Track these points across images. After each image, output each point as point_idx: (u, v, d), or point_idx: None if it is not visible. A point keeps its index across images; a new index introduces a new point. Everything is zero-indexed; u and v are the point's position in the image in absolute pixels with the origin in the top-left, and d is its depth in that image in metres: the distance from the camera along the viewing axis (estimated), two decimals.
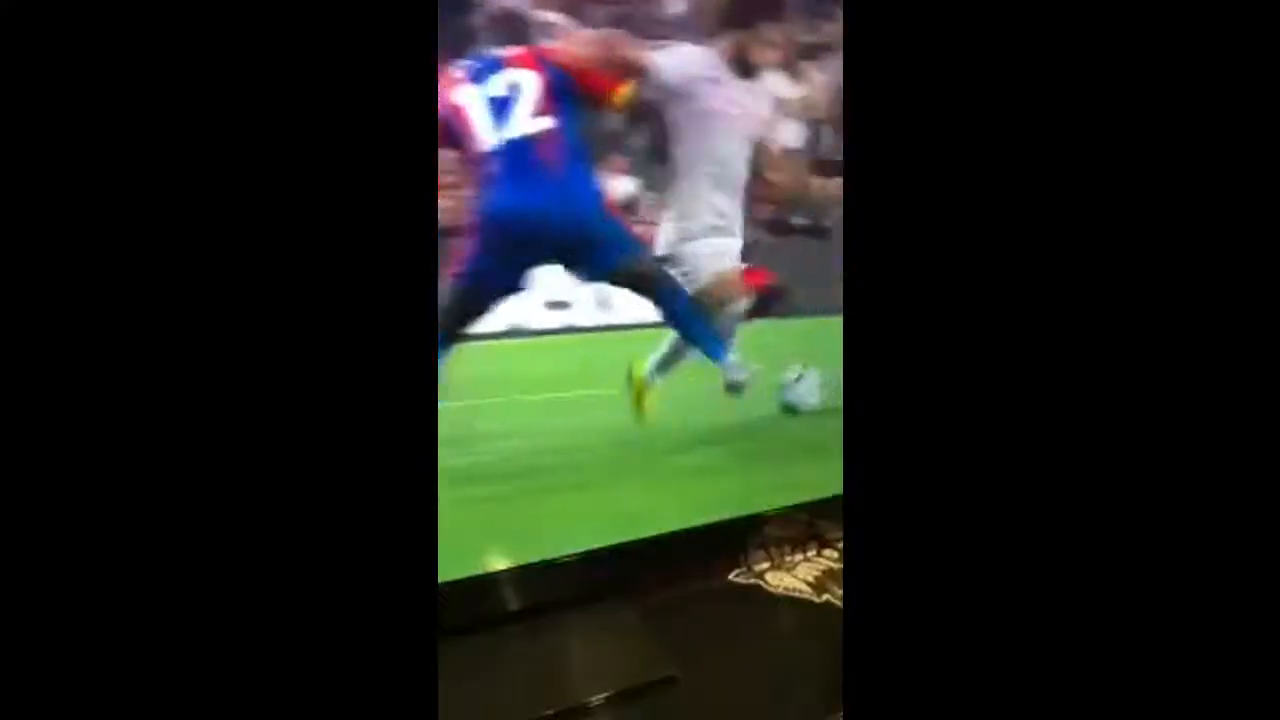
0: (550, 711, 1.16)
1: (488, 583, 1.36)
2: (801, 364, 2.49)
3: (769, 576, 1.52)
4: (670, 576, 1.46)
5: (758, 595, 1.47)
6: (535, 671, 1.26)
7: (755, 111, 2.24)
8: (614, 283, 2.11)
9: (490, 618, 1.32)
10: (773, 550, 1.58)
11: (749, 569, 1.53)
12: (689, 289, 2.16)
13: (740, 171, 2.24)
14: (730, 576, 1.52)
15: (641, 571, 1.44)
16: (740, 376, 2.12)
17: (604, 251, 2.00)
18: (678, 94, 2.14)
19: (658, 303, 2.11)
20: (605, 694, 1.20)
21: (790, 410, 2.47)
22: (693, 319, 2.13)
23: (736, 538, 1.56)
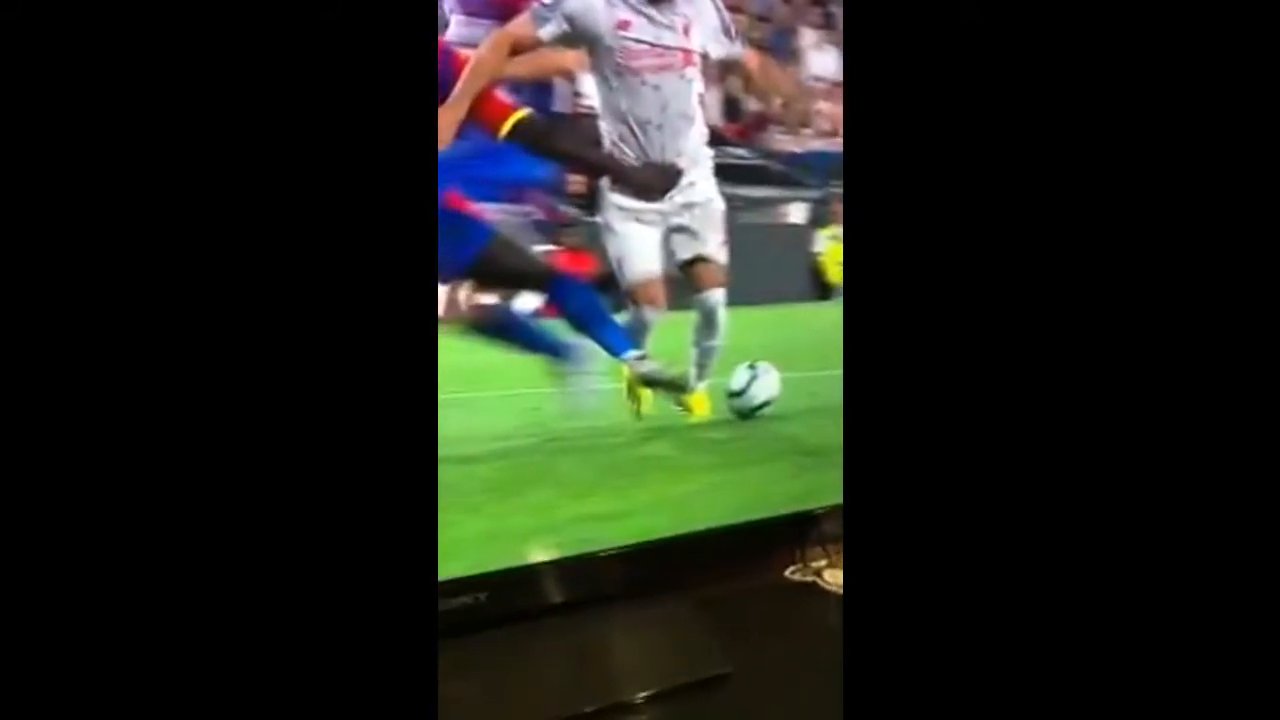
0: (594, 707, 1.15)
1: (533, 573, 1.36)
2: (749, 363, 2.35)
3: (826, 574, 1.50)
4: (724, 572, 1.44)
5: (814, 592, 1.46)
6: (583, 665, 1.25)
7: (689, 42, 2.11)
8: (480, 277, 2.06)
9: (536, 610, 1.32)
10: (829, 547, 1.56)
11: (806, 565, 1.51)
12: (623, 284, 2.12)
13: (686, 121, 2.14)
14: (786, 573, 1.50)
15: (694, 566, 1.42)
16: (647, 370, 2.07)
17: (452, 245, 1.86)
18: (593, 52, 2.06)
19: (537, 291, 2.07)
20: (655, 689, 1.19)
21: (745, 415, 2.33)
22: (583, 307, 2.08)
23: (792, 533, 1.53)
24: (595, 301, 2.11)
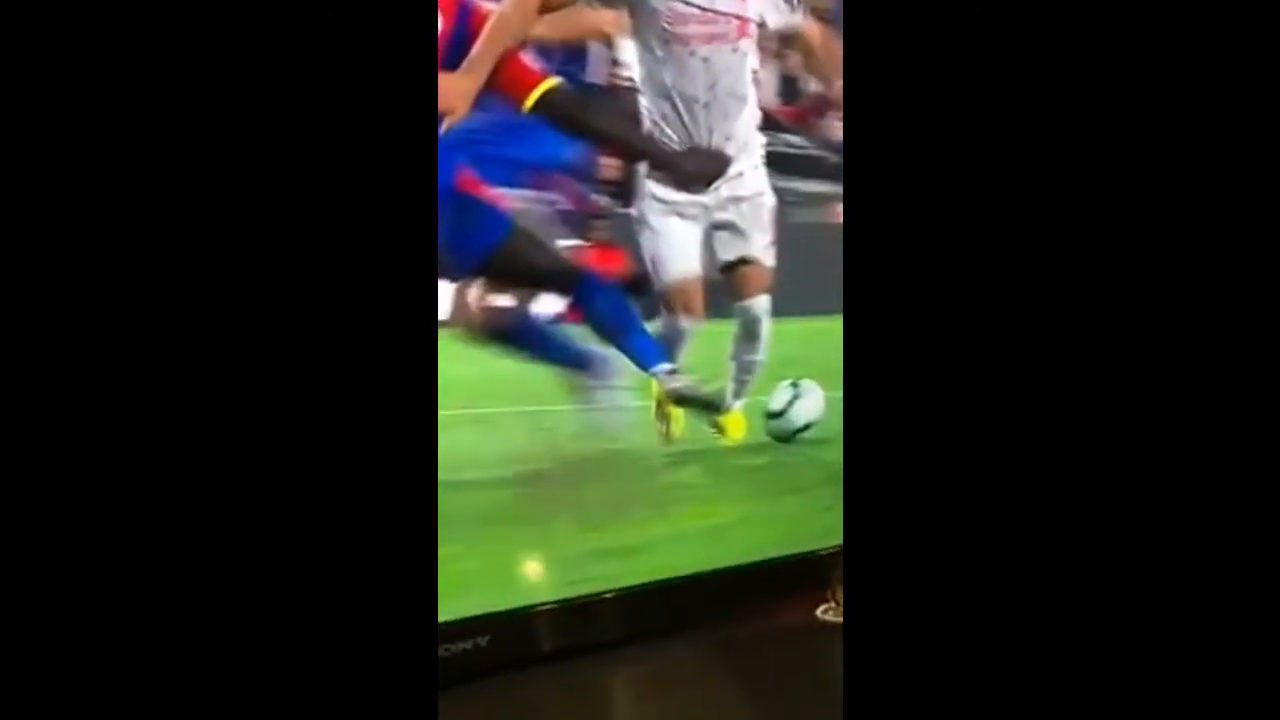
0: None
1: (531, 617, 1.29)
2: (791, 380, 2.20)
3: None
4: (751, 612, 1.39)
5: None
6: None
7: (744, 9, 1.93)
8: (494, 275, 1.90)
9: (543, 656, 1.26)
10: None
11: (836, 604, 1.43)
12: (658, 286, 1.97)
13: (737, 102, 1.97)
14: (818, 612, 1.42)
15: (720, 605, 1.38)
16: (680, 386, 1.91)
17: (464, 236, 1.76)
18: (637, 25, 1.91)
19: (560, 293, 1.90)
20: None
21: (784, 439, 2.18)
22: (610, 312, 1.92)
23: (825, 569, 1.44)
24: (624, 306, 1.96)
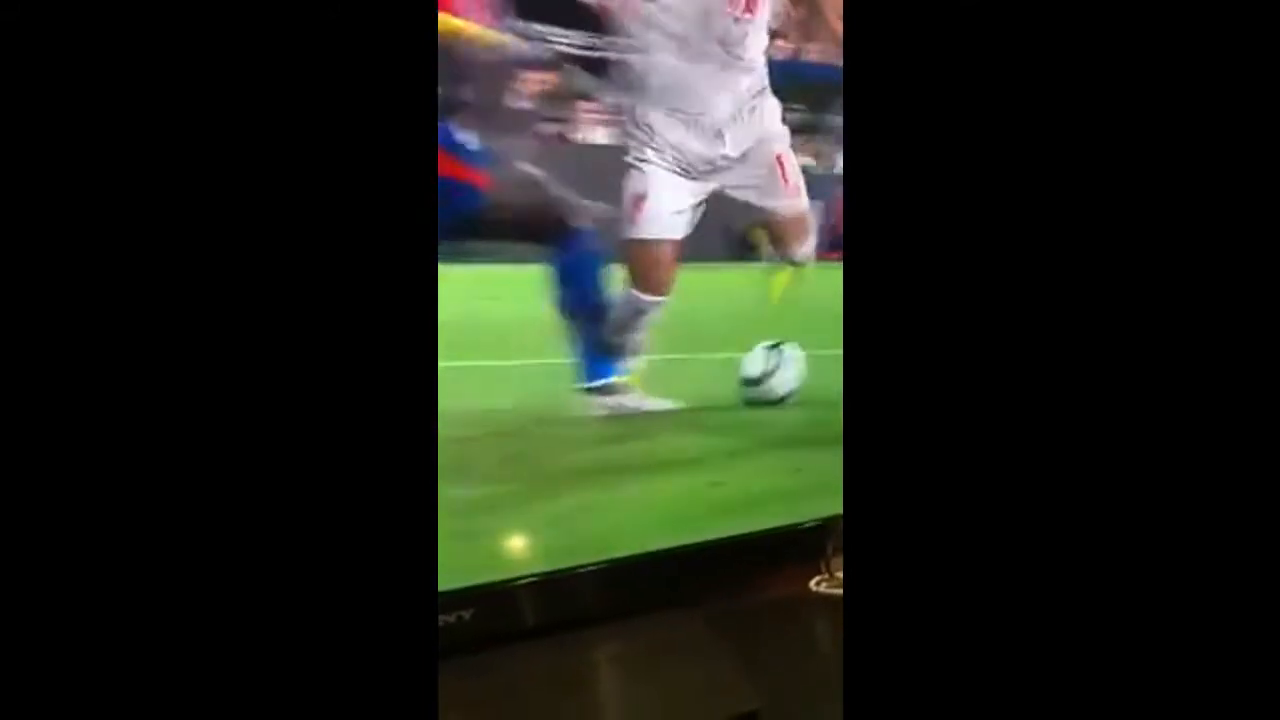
0: None
1: (515, 591, 1.26)
2: (772, 344, 2.15)
3: None
4: (738, 585, 1.36)
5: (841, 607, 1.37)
6: (575, 701, 1.17)
7: None
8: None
9: (518, 632, 1.23)
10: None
11: (832, 575, 1.41)
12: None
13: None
14: (811, 585, 1.40)
15: (704, 580, 1.35)
16: (608, 402, 1.85)
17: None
18: None
19: (542, 239, 1.80)
20: None
21: (759, 405, 2.13)
22: (580, 290, 1.85)
23: (816, 540, 1.43)
24: (599, 291, 1.85)
